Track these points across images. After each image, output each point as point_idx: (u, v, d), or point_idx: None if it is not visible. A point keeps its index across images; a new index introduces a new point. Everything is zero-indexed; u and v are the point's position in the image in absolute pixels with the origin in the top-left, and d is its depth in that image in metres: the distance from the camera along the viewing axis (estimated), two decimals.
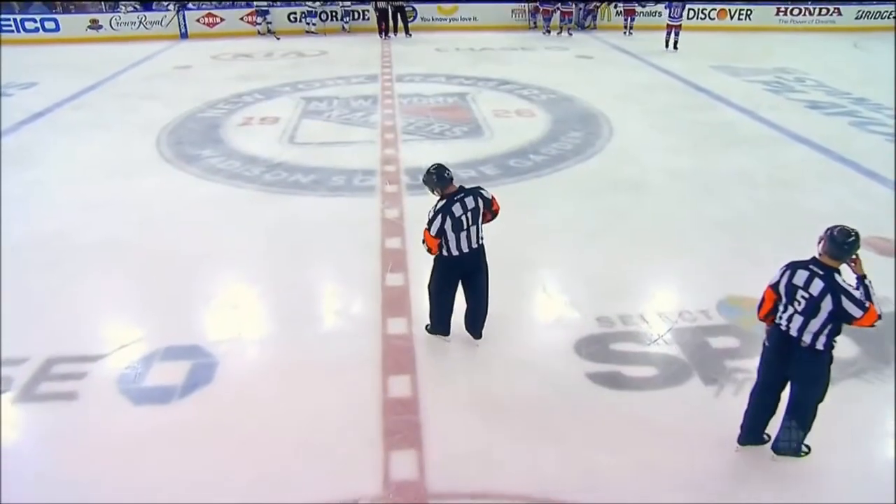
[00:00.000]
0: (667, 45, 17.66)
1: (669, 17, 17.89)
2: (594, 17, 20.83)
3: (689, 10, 20.67)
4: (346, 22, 20.63)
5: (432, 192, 4.62)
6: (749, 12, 21.30)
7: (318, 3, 20.30)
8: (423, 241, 4.58)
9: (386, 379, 4.57)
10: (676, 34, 17.61)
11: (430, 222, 4.52)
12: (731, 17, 21.31)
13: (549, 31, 20.43)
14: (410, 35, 19.66)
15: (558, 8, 20.39)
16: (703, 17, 21.23)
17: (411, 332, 5.10)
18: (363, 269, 5.64)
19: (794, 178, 8.27)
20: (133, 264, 6.18)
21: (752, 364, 4.66)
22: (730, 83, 13.57)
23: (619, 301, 5.50)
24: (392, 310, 5.37)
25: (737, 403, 4.13)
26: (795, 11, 21.46)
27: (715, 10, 21.30)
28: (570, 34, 20.06)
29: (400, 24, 19.76)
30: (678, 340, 4.99)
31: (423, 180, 4.62)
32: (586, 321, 5.22)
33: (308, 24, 20.32)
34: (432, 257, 4.76)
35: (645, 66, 15.45)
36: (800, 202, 7.49)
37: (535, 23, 21.16)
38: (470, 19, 21.13)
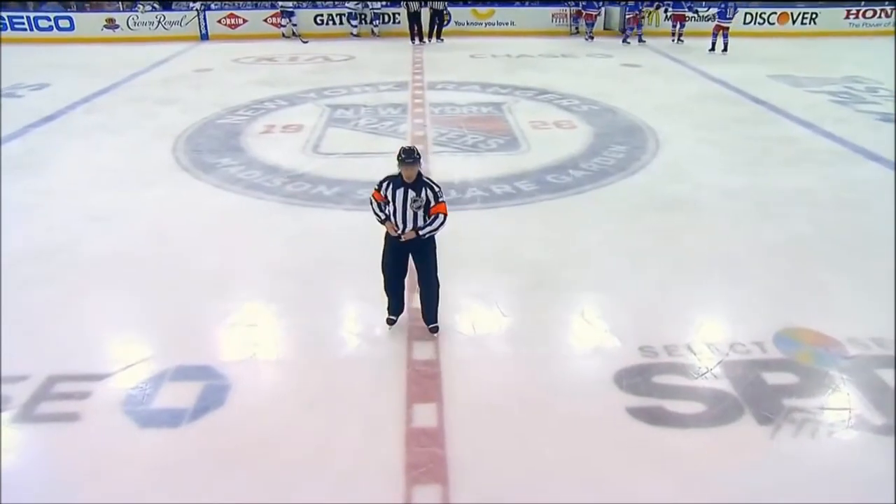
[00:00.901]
0: (713, 48, 17.52)
1: (719, 17, 17.77)
2: (638, 27, 20.08)
3: (746, 14, 20.46)
4: (376, 25, 20.91)
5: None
6: (815, 16, 20.87)
7: (359, 5, 20.57)
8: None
9: (410, 407, 4.56)
10: (726, 36, 17.49)
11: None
12: (794, 22, 20.91)
13: (591, 37, 20.46)
14: (443, 40, 19.84)
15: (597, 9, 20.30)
16: (761, 21, 20.90)
17: (438, 357, 5.09)
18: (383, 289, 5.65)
19: (862, 199, 8.13)
20: (143, 278, 6.29)
21: (813, 403, 4.61)
22: (791, 94, 13.44)
23: (664, 330, 5.44)
24: (418, 333, 5.37)
25: (795, 447, 4.05)
26: (869, 13, 20.90)
27: (775, 13, 20.93)
28: (640, 41, 19.76)
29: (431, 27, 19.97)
30: (729, 375, 4.91)
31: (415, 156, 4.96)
32: (628, 351, 5.17)
33: (353, 26, 20.59)
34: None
35: (696, 76, 15.39)
36: (868, 226, 7.36)
37: (576, 28, 21.22)
38: (507, 24, 21.26)
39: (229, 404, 4.61)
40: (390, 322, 5.41)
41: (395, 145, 9.95)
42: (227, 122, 11.42)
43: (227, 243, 7.01)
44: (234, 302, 5.92)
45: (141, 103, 12.84)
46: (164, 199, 8.18)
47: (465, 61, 17.16)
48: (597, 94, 13.25)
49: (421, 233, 5.04)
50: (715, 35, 17.85)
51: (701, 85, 14.43)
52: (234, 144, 10.23)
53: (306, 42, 19.74)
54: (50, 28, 20.06)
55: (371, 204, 5.20)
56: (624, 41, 19.79)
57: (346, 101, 12.99)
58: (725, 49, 17.40)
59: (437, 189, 5.03)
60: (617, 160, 9.48)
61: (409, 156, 4.91)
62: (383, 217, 5.14)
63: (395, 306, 5.42)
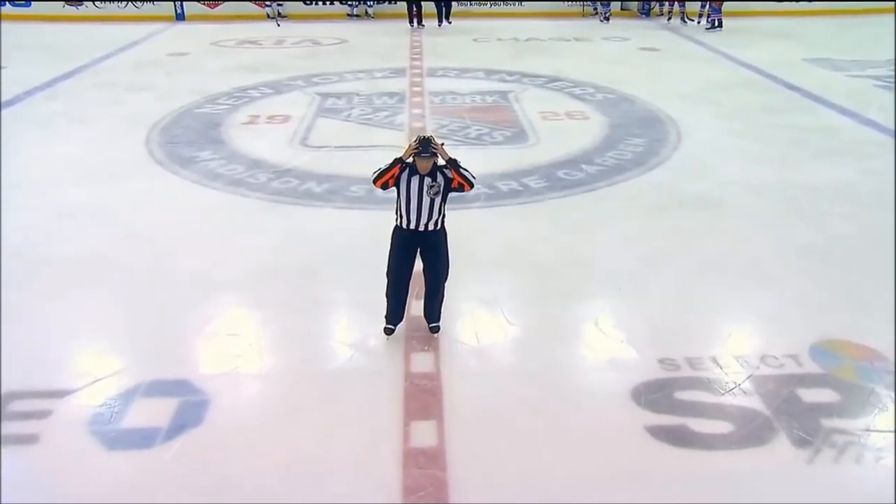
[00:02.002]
0: (690, 20, 17.77)
1: None
2: (680, 4, 19.97)
3: None
4: (370, 6, 20.92)
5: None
6: None
7: None
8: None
9: (408, 425, 4.54)
10: (716, 11, 17.67)
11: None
12: None
13: (607, 19, 20.46)
14: (450, 22, 19.76)
15: None
16: None
17: (438, 369, 5.07)
18: (383, 296, 5.63)
19: None
20: (114, 282, 6.26)
21: (857, 424, 4.56)
22: (829, 79, 13.42)
23: (686, 340, 5.41)
24: (416, 344, 5.35)
25: (837, 474, 4.01)
26: None
27: None
28: (683, 21, 19.79)
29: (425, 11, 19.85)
30: (760, 391, 4.88)
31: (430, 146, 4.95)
32: (646, 363, 5.14)
33: (351, 6, 20.57)
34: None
35: (722, 60, 15.40)
36: None
37: (594, 9, 21.19)
38: (514, 3, 21.27)
39: (208, 423, 4.58)
40: (388, 332, 5.39)
41: (392, 137, 10.12)
42: (206, 112, 11.41)
43: (207, 245, 6.99)
44: (215, 309, 5.89)
45: (109, 90, 12.83)
46: (137, 196, 8.17)
47: (468, 45, 17.17)
48: (612, 82, 13.24)
49: (459, 163, 5.00)
50: (707, 6, 18.15)
51: (728, 70, 14.44)
52: (215, 136, 10.22)
53: (280, 26, 19.60)
54: (2, 3, 19.91)
55: (380, 169, 5.09)
56: (668, 18, 19.77)
57: (337, 89, 12.99)
58: (715, 26, 17.62)
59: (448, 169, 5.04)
60: (634, 154, 9.47)
61: (425, 148, 4.92)
62: (396, 161, 5.05)
63: (396, 314, 5.38)
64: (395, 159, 5.07)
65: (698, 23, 19.61)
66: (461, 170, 5.03)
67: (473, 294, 5.99)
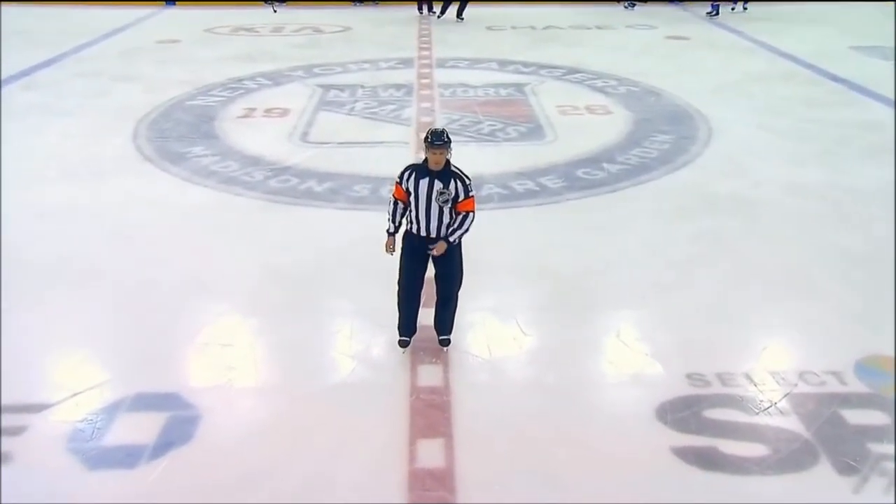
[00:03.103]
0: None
1: None
2: None
3: None
4: None
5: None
6: None
7: None
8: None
9: (414, 444, 4.53)
10: None
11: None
12: None
13: (632, 5, 20.44)
14: (462, 19, 19.53)
15: None
16: None
17: (448, 384, 5.07)
18: (389, 303, 5.64)
19: None
20: (97, 288, 6.28)
21: None
22: (879, 69, 13.36)
23: (716, 354, 5.40)
24: (424, 355, 5.35)
25: None
26: None
27: None
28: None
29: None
30: (799, 410, 4.85)
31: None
32: (673, 379, 5.13)
33: None
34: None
35: (758, 49, 15.37)
36: None
37: None
38: None
39: (198, 440, 4.58)
40: (403, 345, 5.37)
41: (398, 133, 10.13)
42: (198, 105, 11.46)
43: (199, 248, 7.00)
44: (207, 317, 5.91)
45: (93, 80, 12.89)
46: (123, 195, 8.19)
47: (480, 34, 17.18)
48: (637, 74, 13.23)
49: (451, 239, 5.07)
50: None
51: (764, 60, 14.41)
52: (208, 131, 10.25)
53: (276, 12, 19.62)
54: None
55: (390, 205, 5.20)
56: (713, 13, 19.38)
57: (340, 80, 13.02)
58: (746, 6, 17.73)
59: (467, 181, 5.04)
60: (660, 152, 9.45)
61: (437, 138, 4.93)
62: (394, 228, 5.17)
63: (409, 325, 5.36)
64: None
65: (732, 9, 19.58)
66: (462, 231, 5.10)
67: (485, 303, 5.98)
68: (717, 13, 19.11)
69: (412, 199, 5.04)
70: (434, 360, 5.30)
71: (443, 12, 19.21)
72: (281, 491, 4.21)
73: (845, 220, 7.60)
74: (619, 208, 7.93)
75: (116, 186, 8.40)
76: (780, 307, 6.08)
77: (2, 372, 5.12)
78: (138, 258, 6.78)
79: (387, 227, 5.18)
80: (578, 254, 6.90)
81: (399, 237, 5.21)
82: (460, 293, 5.36)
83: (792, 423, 4.73)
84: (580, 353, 5.47)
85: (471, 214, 5.06)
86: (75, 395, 4.94)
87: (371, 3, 21.00)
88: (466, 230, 5.09)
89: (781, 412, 4.83)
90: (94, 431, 4.63)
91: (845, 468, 4.37)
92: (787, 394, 4.99)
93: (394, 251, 5.18)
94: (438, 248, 5.06)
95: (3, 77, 12.67)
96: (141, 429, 4.64)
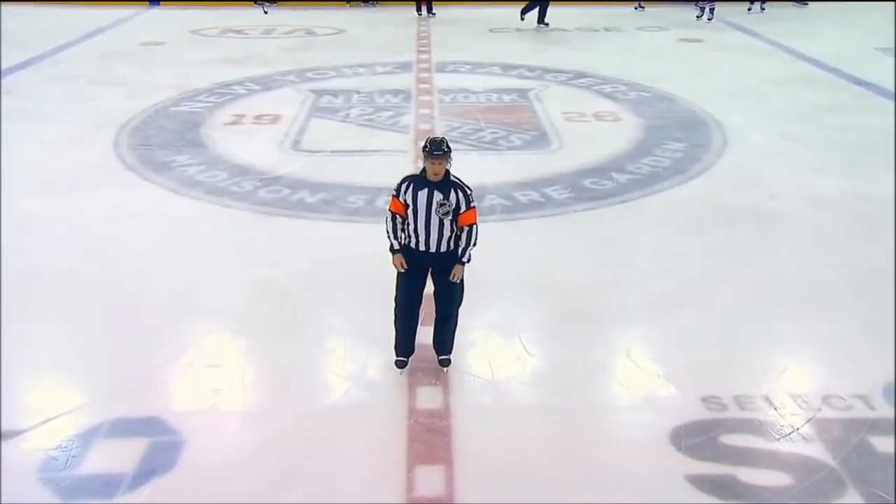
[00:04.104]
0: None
1: None
2: None
3: None
4: None
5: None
6: None
7: None
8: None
9: (411, 471, 4.51)
10: None
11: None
12: None
13: (642, 6, 20.52)
14: (434, 14, 19.61)
15: None
16: None
17: (447, 406, 5.05)
18: (386, 320, 5.63)
19: None
20: (74, 305, 6.27)
21: None
22: None
23: (734, 376, 5.38)
24: (423, 376, 5.34)
25: None
26: None
27: None
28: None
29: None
30: (823, 437, 4.82)
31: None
32: (687, 402, 5.11)
33: None
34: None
35: (776, 52, 15.43)
36: None
37: None
38: None
39: (182, 467, 4.56)
40: (400, 365, 5.36)
41: (395, 141, 10.14)
42: (184, 111, 11.49)
43: (184, 262, 7.00)
44: (192, 336, 5.90)
45: (72, 84, 12.94)
46: (105, 206, 8.20)
47: (482, 37, 17.25)
48: (648, 78, 13.28)
49: (465, 259, 5.09)
50: None
51: (784, 63, 14.46)
52: (194, 138, 10.28)
53: (267, 13, 19.67)
54: None
55: (387, 221, 5.18)
56: (701, 16, 19.26)
57: (334, 85, 13.07)
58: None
59: (468, 191, 5.05)
60: (673, 161, 9.47)
61: (437, 147, 4.93)
62: (398, 245, 5.15)
63: (407, 345, 5.36)
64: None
65: (749, 9, 19.65)
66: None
67: (488, 320, 5.97)
68: (708, 16, 18.93)
69: (410, 211, 5.03)
70: (433, 381, 5.28)
71: (429, 10, 19.29)
72: None
73: (870, 233, 7.59)
74: (629, 220, 7.93)
75: (96, 197, 8.40)
76: (800, 326, 6.07)
77: None
78: (119, 273, 6.77)
79: (389, 245, 5.17)
80: (586, 268, 6.90)
81: None
82: (461, 310, 5.36)
83: (816, 451, 4.70)
84: (588, 373, 5.45)
85: (473, 228, 5.07)
86: (48, 420, 4.91)
87: (367, 3, 21.07)
88: (475, 244, 5.11)
89: (804, 438, 4.80)
90: (68, 460, 4.60)
91: (875, 501, 4.33)
92: (811, 419, 4.97)
93: (406, 268, 5.15)
94: (456, 273, 5.09)
95: None
96: (120, 456, 4.60)
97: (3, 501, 4.16)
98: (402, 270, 5.16)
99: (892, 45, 15.19)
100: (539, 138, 10.43)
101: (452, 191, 4.99)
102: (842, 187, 8.64)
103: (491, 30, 17.95)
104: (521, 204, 8.21)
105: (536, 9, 18.07)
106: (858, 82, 12.91)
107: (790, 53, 15.21)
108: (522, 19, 18.22)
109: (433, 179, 4.98)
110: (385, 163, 9.33)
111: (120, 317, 6.09)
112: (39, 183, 8.77)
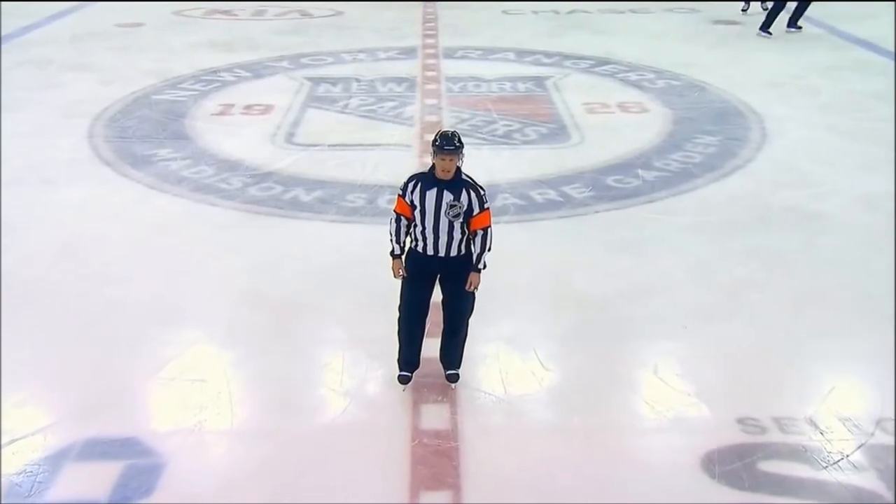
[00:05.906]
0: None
1: None
2: None
3: None
4: None
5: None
6: None
7: None
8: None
9: (416, 497, 4.51)
10: None
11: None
12: None
13: None
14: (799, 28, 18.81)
15: None
16: None
17: (455, 426, 5.05)
18: (388, 331, 5.64)
19: None
20: (43, 313, 6.28)
21: None
22: None
23: (774, 395, 5.38)
24: (428, 392, 5.34)
25: None
26: None
27: None
28: None
29: None
30: (877, 465, 4.79)
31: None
32: (722, 424, 5.10)
33: None
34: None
35: (825, 35, 15.41)
36: None
37: None
38: None
39: (162, 492, 4.56)
40: (404, 381, 5.35)
41: (399, 134, 10.16)
42: (165, 99, 11.53)
43: (166, 266, 7.02)
44: (174, 348, 5.89)
45: (41, 70, 12.99)
46: (78, 203, 8.24)
47: (495, 20, 17.27)
48: (678, 65, 13.28)
49: (480, 267, 5.10)
50: None
51: (833, 48, 14.42)
52: (177, 130, 10.31)
53: None
54: None
55: (391, 223, 5.17)
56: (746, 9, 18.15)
57: (331, 72, 13.10)
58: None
59: (481, 192, 5.03)
60: (705, 156, 9.47)
61: (448, 142, 4.90)
62: (399, 249, 5.15)
63: (411, 358, 5.35)
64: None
65: (743, 10, 19.53)
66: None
67: (500, 332, 5.98)
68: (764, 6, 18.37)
69: (417, 213, 5.02)
70: (440, 398, 5.29)
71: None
72: None
73: None
74: (656, 222, 7.94)
75: (68, 194, 8.44)
76: (849, 340, 6.05)
77: None
78: (94, 278, 6.79)
79: (390, 249, 5.17)
80: (608, 275, 6.90)
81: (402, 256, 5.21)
82: (471, 321, 5.36)
83: (868, 481, 4.68)
84: (610, 391, 5.46)
85: (489, 231, 5.07)
86: (12, 441, 4.91)
87: None
88: (490, 248, 5.10)
89: (855, 467, 4.77)
90: (33, 486, 4.59)
91: None
92: (862, 444, 4.94)
93: (404, 276, 5.16)
94: (473, 282, 5.09)
95: None
96: (92, 481, 4.61)
97: None
98: (401, 278, 5.17)
99: None
100: (557, 131, 10.43)
101: (464, 191, 4.97)
102: (894, 186, 8.60)
103: (504, 12, 17.94)
104: (538, 204, 8.22)
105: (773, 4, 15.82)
106: None
107: (841, 37, 15.14)
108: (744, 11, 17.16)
109: (443, 178, 4.96)
110: (387, 158, 9.35)
111: (94, 326, 6.11)
112: (6, 178, 8.75)
